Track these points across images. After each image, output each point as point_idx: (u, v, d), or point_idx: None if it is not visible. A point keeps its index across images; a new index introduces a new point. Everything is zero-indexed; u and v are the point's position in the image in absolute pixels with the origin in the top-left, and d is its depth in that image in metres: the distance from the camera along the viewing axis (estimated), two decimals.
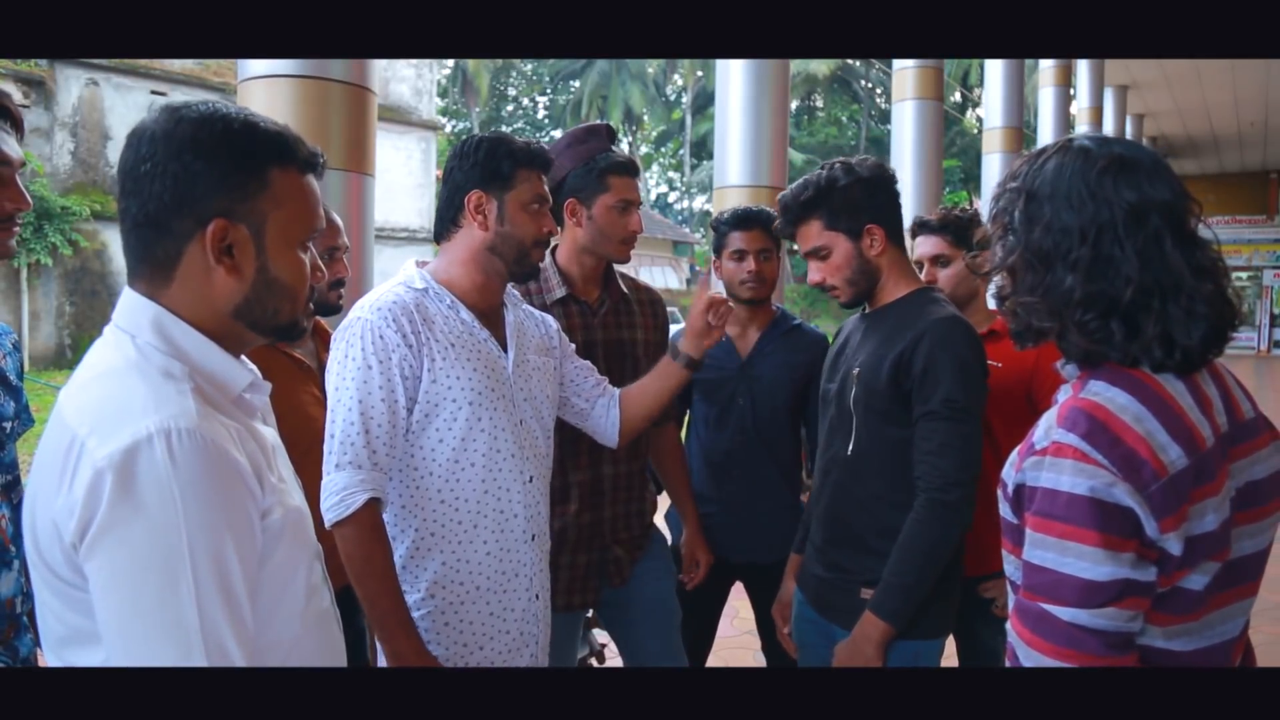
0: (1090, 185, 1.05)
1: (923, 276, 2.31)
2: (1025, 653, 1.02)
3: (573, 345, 1.98)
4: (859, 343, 1.93)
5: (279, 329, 1.07)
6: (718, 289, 2.34)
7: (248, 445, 0.99)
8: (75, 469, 0.88)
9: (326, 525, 1.57)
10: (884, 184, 1.90)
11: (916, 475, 1.77)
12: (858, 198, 1.86)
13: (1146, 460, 0.98)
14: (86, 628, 0.91)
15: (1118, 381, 1.04)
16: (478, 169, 1.71)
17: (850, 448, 1.86)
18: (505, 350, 1.76)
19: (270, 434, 1.10)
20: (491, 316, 1.79)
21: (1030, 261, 1.09)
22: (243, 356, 1.08)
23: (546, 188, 1.78)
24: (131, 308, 1.00)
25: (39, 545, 0.93)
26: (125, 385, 0.93)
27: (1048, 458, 1.01)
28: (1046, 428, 1.05)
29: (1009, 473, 1.10)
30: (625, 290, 2.24)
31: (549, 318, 1.96)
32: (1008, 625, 1.08)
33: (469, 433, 1.66)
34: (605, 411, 1.94)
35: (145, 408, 0.90)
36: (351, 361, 1.62)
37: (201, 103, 1.01)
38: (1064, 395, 1.10)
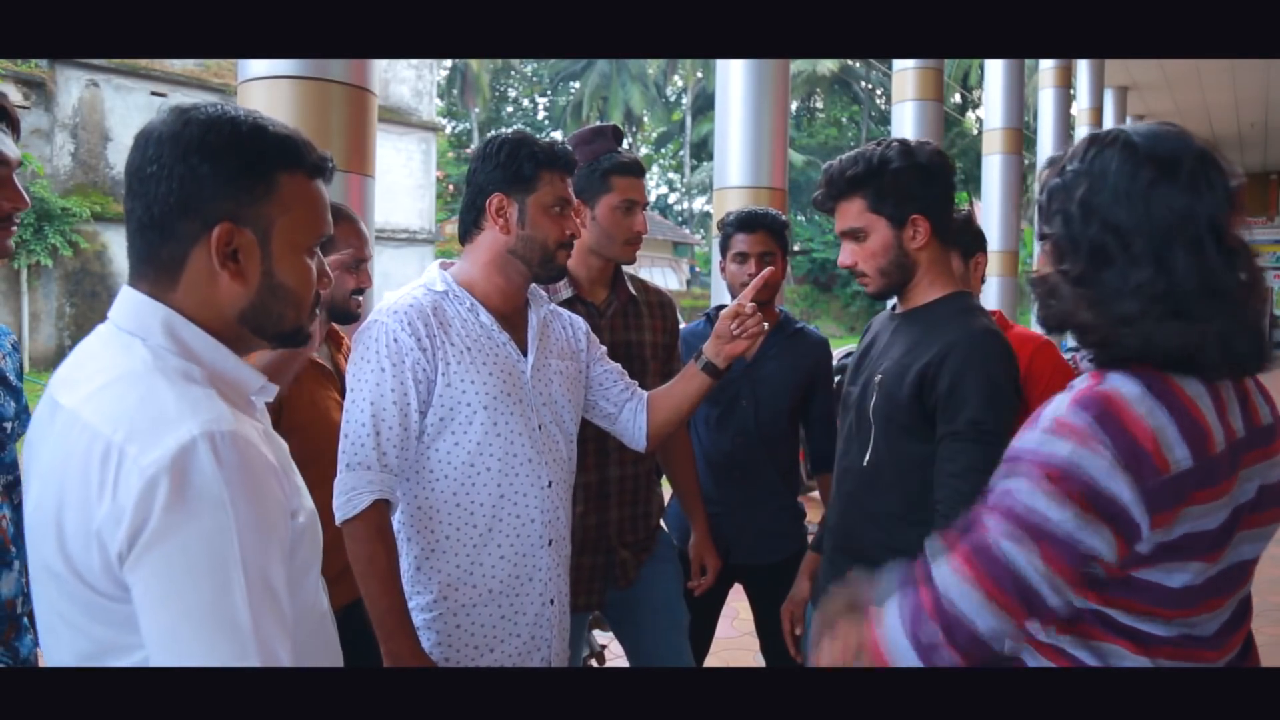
0: (1139, 185, 1.04)
1: None
2: (938, 568, 1.05)
3: (604, 348, 1.95)
4: (885, 345, 1.81)
5: (282, 335, 1.06)
6: (722, 291, 2.33)
7: (275, 445, 0.99)
8: (117, 477, 0.86)
9: (336, 523, 1.60)
10: (941, 174, 1.76)
11: (936, 499, 1.66)
12: (909, 184, 1.71)
13: (1150, 455, 0.98)
14: (114, 640, 0.89)
15: (1136, 375, 1.04)
16: (499, 171, 1.70)
17: (867, 458, 1.76)
18: (526, 354, 1.75)
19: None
20: (514, 319, 1.77)
21: (1084, 252, 1.08)
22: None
23: (570, 189, 1.76)
24: (137, 309, 0.99)
25: (69, 558, 0.89)
26: (153, 389, 0.92)
27: (1054, 431, 1.02)
28: (1056, 405, 1.05)
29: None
30: (634, 292, 2.23)
31: (578, 319, 1.93)
32: (930, 545, 1.08)
33: (484, 437, 1.66)
34: (633, 416, 1.90)
35: (182, 412, 0.89)
36: (366, 364, 1.63)
37: (210, 104, 1.00)
38: (1081, 383, 1.09)
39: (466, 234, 1.77)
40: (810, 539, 2.51)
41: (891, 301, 1.88)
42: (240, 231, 0.98)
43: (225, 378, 1.00)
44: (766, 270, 1.95)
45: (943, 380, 1.65)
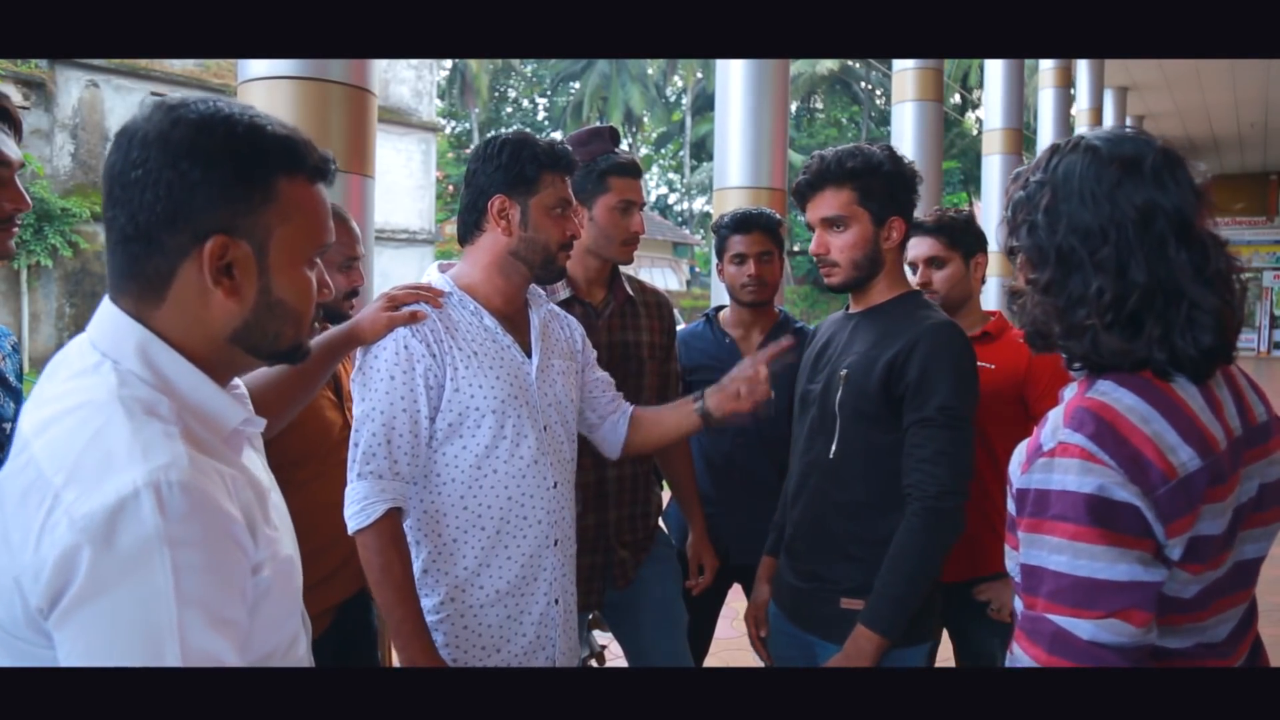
0: (1105, 186, 1.04)
1: (917, 278, 2.31)
2: None
3: (595, 353, 1.96)
4: (845, 343, 1.88)
5: (279, 354, 0.98)
6: (721, 292, 2.33)
7: (242, 495, 0.89)
8: (45, 523, 0.78)
9: (349, 532, 1.60)
10: (915, 186, 1.89)
11: (909, 483, 1.73)
12: (895, 188, 1.84)
13: (1153, 462, 0.96)
14: None
15: (1125, 381, 1.03)
16: (501, 172, 1.69)
17: (833, 451, 1.82)
18: (529, 355, 1.75)
19: (263, 473, 1.02)
20: (515, 319, 1.77)
21: (1052, 260, 1.07)
22: (236, 380, 1.02)
23: (570, 190, 1.76)
24: (114, 329, 0.90)
25: None
26: (108, 425, 0.82)
27: (1055, 459, 1.00)
28: (1053, 427, 1.03)
29: (1015, 471, 1.09)
30: (631, 293, 2.23)
31: (574, 321, 1.94)
32: (1015, 648, 1.05)
33: (492, 441, 1.66)
34: (614, 428, 1.92)
35: (131, 455, 0.80)
36: (375, 372, 1.63)
37: (200, 100, 0.91)
38: (1070, 393, 1.09)
39: (467, 235, 1.76)
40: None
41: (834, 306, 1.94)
42: (235, 244, 0.90)
43: (201, 412, 0.91)
44: (787, 341, 1.87)
45: (911, 369, 1.74)
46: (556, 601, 1.75)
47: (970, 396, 1.77)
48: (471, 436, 1.65)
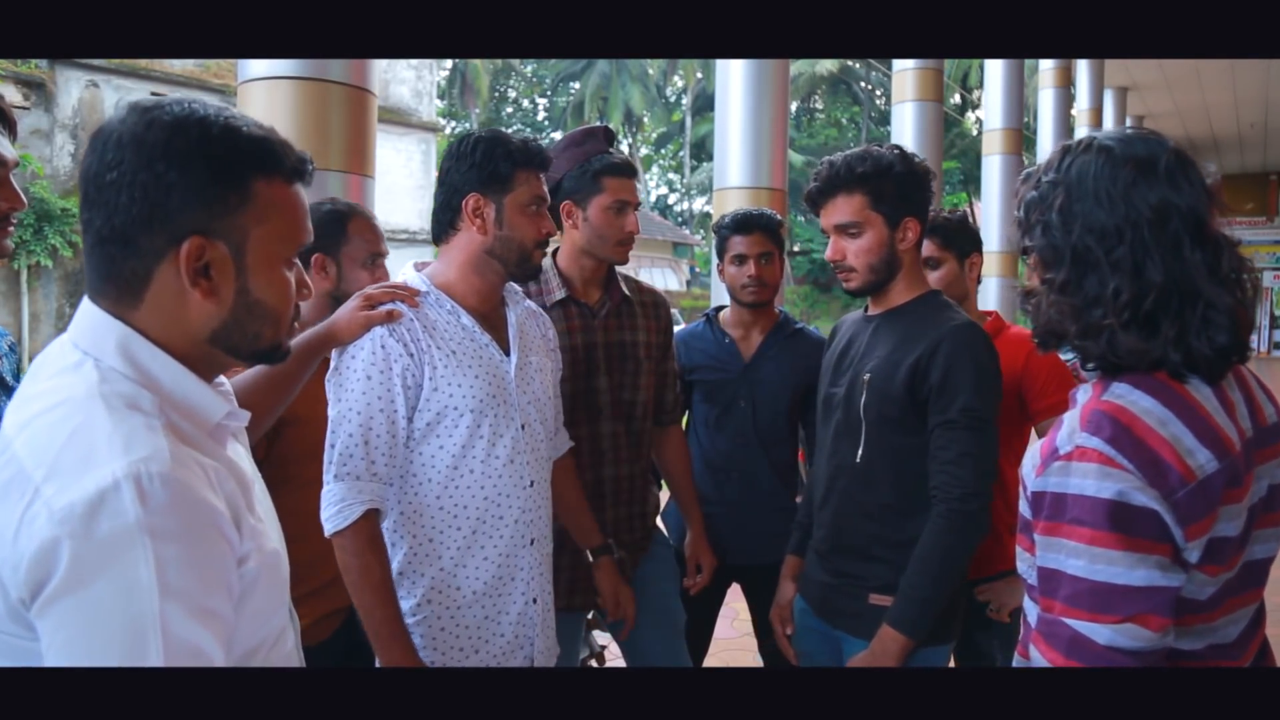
0: (1119, 186, 1.04)
1: None
2: None
3: (560, 371, 1.96)
4: (867, 345, 1.88)
5: (259, 354, 0.99)
6: (721, 292, 2.32)
7: (226, 486, 0.90)
8: (24, 517, 0.78)
9: (326, 534, 1.58)
10: (928, 184, 1.87)
11: (934, 485, 1.74)
12: (907, 189, 1.83)
13: (1172, 465, 0.96)
14: None
15: (1141, 383, 1.03)
16: (475, 171, 1.68)
17: (859, 455, 1.83)
18: (508, 353, 1.75)
19: (247, 466, 1.02)
20: (492, 318, 1.77)
21: (1068, 260, 1.07)
22: (221, 378, 1.02)
23: (545, 187, 1.76)
24: (94, 326, 0.91)
25: None
26: (89, 420, 0.83)
27: (1073, 463, 0.99)
28: (1069, 430, 1.03)
29: (1029, 474, 1.09)
30: (627, 292, 2.23)
31: (549, 321, 1.94)
32: (1033, 650, 1.04)
33: (469, 440, 1.65)
34: (554, 447, 1.94)
35: (112, 448, 0.80)
36: (351, 373, 1.62)
37: (176, 102, 0.91)
38: (1084, 395, 1.08)
39: (442, 234, 1.75)
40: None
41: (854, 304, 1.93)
42: (212, 245, 0.90)
43: (185, 405, 0.91)
44: None
45: (935, 371, 1.74)
46: (535, 601, 1.74)
47: (993, 397, 1.77)
48: (449, 435, 1.64)
